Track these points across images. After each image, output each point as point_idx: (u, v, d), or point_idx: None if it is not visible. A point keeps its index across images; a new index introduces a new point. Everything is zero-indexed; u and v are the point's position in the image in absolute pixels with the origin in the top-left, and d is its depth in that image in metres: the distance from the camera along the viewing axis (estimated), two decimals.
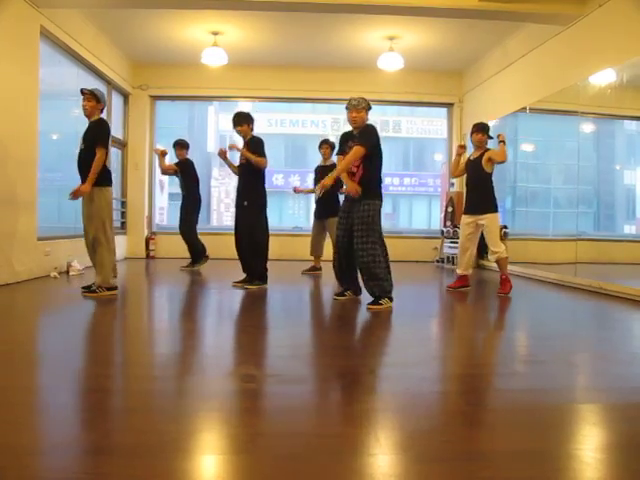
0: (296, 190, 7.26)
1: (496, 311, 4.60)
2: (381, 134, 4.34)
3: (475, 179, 5.19)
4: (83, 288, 4.57)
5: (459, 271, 5.33)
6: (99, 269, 4.45)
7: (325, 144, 6.64)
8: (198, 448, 1.67)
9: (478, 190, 5.15)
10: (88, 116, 4.49)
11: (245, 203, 5.15)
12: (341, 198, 5.23)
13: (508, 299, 4.92)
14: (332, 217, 5.68)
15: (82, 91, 4.50)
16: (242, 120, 5.23)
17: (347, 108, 4.29)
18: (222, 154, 5.38)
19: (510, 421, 1.88)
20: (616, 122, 6.38)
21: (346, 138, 4.34)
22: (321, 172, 6.24)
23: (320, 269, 6.66)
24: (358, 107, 4.23)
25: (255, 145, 5.15)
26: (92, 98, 4.45)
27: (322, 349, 3.06)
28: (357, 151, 4.11)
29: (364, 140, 4.14)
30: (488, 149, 5.18)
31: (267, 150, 5.23)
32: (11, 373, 2.39)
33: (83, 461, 1.54)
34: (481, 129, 5.19)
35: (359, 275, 4.32)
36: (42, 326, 3.69)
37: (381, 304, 4.14)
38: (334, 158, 6.20)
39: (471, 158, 5.25)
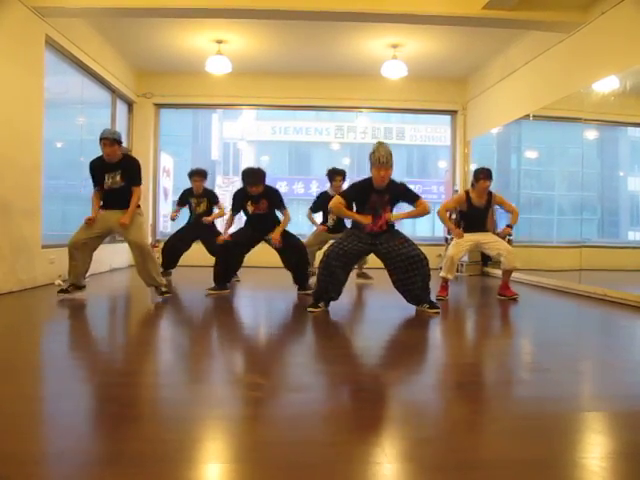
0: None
1: (500, 318, 4.58)
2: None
3: (478, 220, 5.27)
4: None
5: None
6: None
7: (339, 176, 6.12)
8: (204, 457, 1.67)
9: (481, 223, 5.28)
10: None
11: None
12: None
13: (513, 305, 4.91)
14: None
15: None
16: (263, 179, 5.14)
17: (376, 164, 3.96)
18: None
19: (515, 429, 1.87)
20: (620, 129, 6.38)
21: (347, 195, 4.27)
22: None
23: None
24: (387, 165, 3.94)
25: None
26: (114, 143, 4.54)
27: (327, 356, 3.06)
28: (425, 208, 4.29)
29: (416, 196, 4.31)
30: (491, 192, 5.25)
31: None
32: (15, 381, 2.39)
33: (88, 470, 1.54)
34: (491, 176, 5.16)
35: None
36: (46, 334, 3.70)
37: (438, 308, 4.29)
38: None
39: (476, 205, 5.23)
